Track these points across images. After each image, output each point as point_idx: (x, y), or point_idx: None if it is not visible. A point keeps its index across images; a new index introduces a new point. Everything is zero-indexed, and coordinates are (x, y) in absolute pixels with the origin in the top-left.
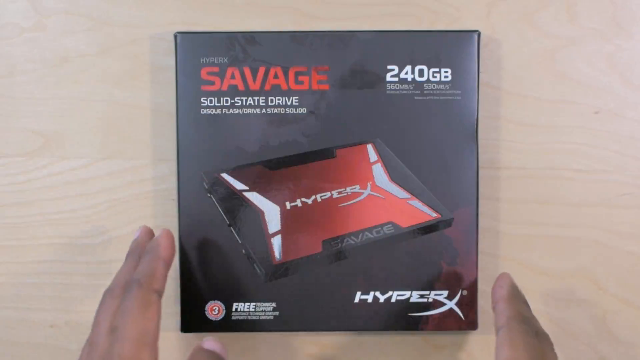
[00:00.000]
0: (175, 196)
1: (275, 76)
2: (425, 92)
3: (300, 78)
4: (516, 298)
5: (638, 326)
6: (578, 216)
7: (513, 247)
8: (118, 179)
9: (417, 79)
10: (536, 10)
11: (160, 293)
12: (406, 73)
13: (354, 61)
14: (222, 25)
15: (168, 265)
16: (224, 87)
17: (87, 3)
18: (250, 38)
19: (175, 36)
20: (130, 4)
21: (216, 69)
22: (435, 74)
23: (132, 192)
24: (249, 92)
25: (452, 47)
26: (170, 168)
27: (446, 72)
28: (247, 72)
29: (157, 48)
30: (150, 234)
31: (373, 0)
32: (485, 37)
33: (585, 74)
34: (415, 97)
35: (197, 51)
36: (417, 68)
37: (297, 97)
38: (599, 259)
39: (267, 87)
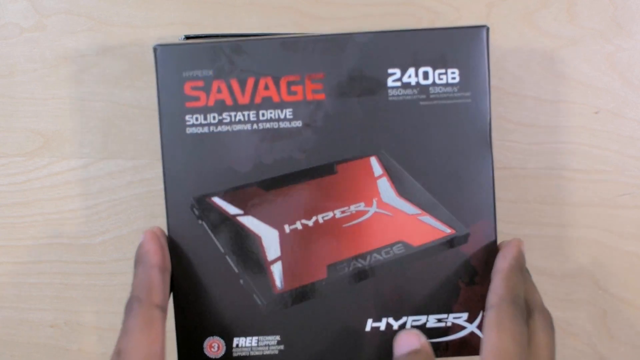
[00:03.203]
0: None
1: (266, 87)
2: (431, 96)
3: (293, 88)
4: (515, 273)
5: (638, 326)
6: (578, 216)
7: None
8: (118, 179)
9: (422, 82)
10: (536, 10)
11: (162, 307)
12: (409, 76)
13: (351, 66)
14: (223, 25)
15: (164, 271)
16: (210, 103)
17: (87, 3)
18: (237, 47)
19: (155, 49)
20: (130, 4)
21: (200, 83)
22: (441, 76)
23: (132, 192)
24: (237, 107)
25: (459, 44)
26: None
27: (453, 72)
28: (235, 84)
29: None
30: (155, 238)
31: (373, 0)
32: None
33: (585, 74)
34: (421, 103)
35: (179, 64)
36: (421, 70)
37: (290, 110)
38: (599, 259)
39: (257, 100)
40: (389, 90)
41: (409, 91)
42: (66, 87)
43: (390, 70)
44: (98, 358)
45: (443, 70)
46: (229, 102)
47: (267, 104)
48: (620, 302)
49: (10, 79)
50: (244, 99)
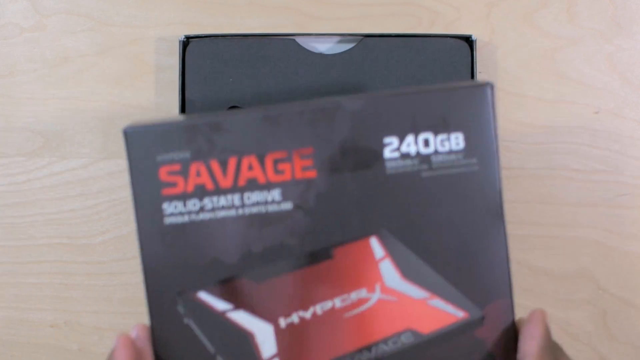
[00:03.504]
0: None
1: (250, 167)
2: (434, 166)
3: (280, 166)
4: (547, 355)
5: (638, 326)
6: (578, 216)
7: (513, 247)
8: (118, 179)
9: (422, 150)
10: (536, 10)
11: None
12: (408, 145)
13: (342, 138)
14: (223, 25)
15: None
16: (189, 188)
17: (87, 3)
18: (215, 125)
19: (125, 133)
20: (131, 4)
21: (177, 167)
22: (444, 142)
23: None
24: (220, 191)
25: (461, 105)
26: None
27: (457, 137)
28: (215, 166)
29: (157, 48)
30: (128, 345)
31: (373, 0)
32: (485, 37)
33: (585, 74)
34: (423, 174)
35: (153, 147)
36: (420, 137)
37: (279, 190)
38: (599, 259)
39: (241, 182)
40: (387, 163)
41: (408, 162)
42: (66, 87)
43: (386, 140)
44: (98, 358)
45: (445, 136)
46: (209, 186)
47: (253, 185)
48: (620, 302)
49: (10, 79)
50: (226, 182)
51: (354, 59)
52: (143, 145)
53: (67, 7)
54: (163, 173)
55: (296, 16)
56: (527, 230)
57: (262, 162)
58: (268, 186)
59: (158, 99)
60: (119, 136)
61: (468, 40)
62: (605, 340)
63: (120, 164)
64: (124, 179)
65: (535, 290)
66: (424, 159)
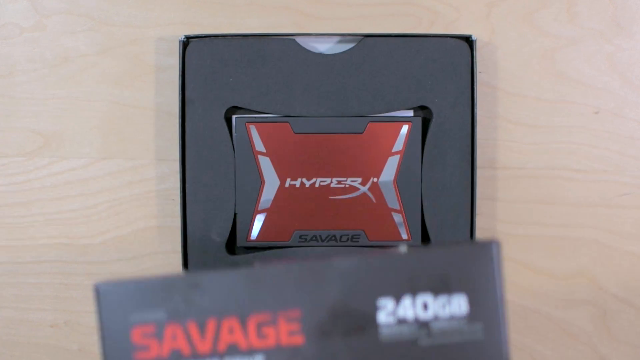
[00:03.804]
0: (175, 196)
1: (231, 331)
2: (433, 333)
3: (264, 330)
4: None
5: (638, 326)
6: (578, 216)
7: (512, 247)
8: (118, 179)
9: (421, 315)
10: (536, 10)
11: None
12: (405, 308)
13: (333, 299)
14: (223, 25)
15: None
16: (164, 353)
17: (87, 3)
18: (194, 283)
19: (97, 289)
20: (131, 4)
21: (151, 328)
22: (445, 305)
23: (132, 192)
24: (197, 356)
25: (464, 264)
26: (170, 168)
27: (459, 300)
28: (193, 328)
29: (157, 48)
30: None
31: (373, 0)
32: (485, 37)
33: (585, 74)
34: (421, 343)
35: (126, 305)
36: (419, 299)
37: (262, 357)
38: (599, 259)
39: (220, 347)
40: (381, 328)
41: (405, 328)
42: (66, 87)
43: (380, 301)
44: (98, 358)
45: (446, 298)
46: (186, 351)
47: (233, 351)
48: (620, 302)
49: (10, 79)
50: (204, 347)
51: (354, 59)
52: (115, 303)
53: (67, 7)
54: (136, 335)
55: (296, 16)
56: (527, 230)
57: (244, 325)
58: (250, 352)
59: (158, 99)
60: (119, 136)
61: (468, 40)
62: (605, 340)
63: (120, 164)
64: (124, 178)
65: (535, 290)
66: (422, 324)
